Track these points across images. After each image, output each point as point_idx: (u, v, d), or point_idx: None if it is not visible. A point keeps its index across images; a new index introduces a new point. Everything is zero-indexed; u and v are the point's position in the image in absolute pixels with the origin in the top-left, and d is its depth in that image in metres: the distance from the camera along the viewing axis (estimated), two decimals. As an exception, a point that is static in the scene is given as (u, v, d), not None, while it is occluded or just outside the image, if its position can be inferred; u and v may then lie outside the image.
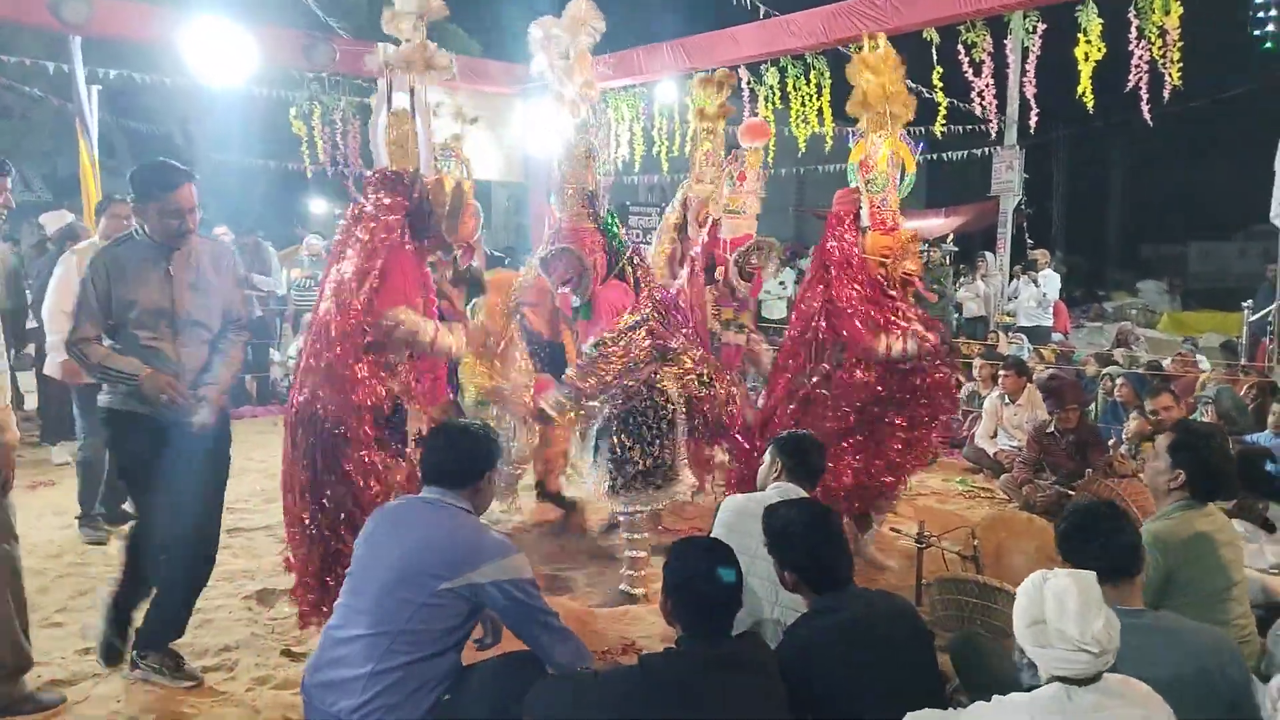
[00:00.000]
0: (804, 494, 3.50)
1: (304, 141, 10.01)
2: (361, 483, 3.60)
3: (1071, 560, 2.92)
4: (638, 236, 10.93)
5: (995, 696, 2.25)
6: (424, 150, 4.14)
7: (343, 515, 3.59)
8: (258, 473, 6.64)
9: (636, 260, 4.88)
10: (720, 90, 6.00)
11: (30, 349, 7.52)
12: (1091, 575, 2.20)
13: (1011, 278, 12.73)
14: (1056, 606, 2.11)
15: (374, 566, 2.72)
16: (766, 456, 3.74)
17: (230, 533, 5.41)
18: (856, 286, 4.89)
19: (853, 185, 5.05)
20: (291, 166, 12.79)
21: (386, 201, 3.92)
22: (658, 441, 4.57)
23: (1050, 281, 11.62)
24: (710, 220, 5.95)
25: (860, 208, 5.00)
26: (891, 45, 4.96)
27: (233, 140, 15.62)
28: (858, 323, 4.77)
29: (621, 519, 4.73)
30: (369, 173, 4.16)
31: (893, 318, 4.82)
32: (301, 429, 3.60)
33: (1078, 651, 2.07)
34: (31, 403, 8.21)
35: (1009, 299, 12.25)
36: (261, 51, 8.62)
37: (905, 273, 4.93)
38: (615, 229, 4.84)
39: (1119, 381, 7.58)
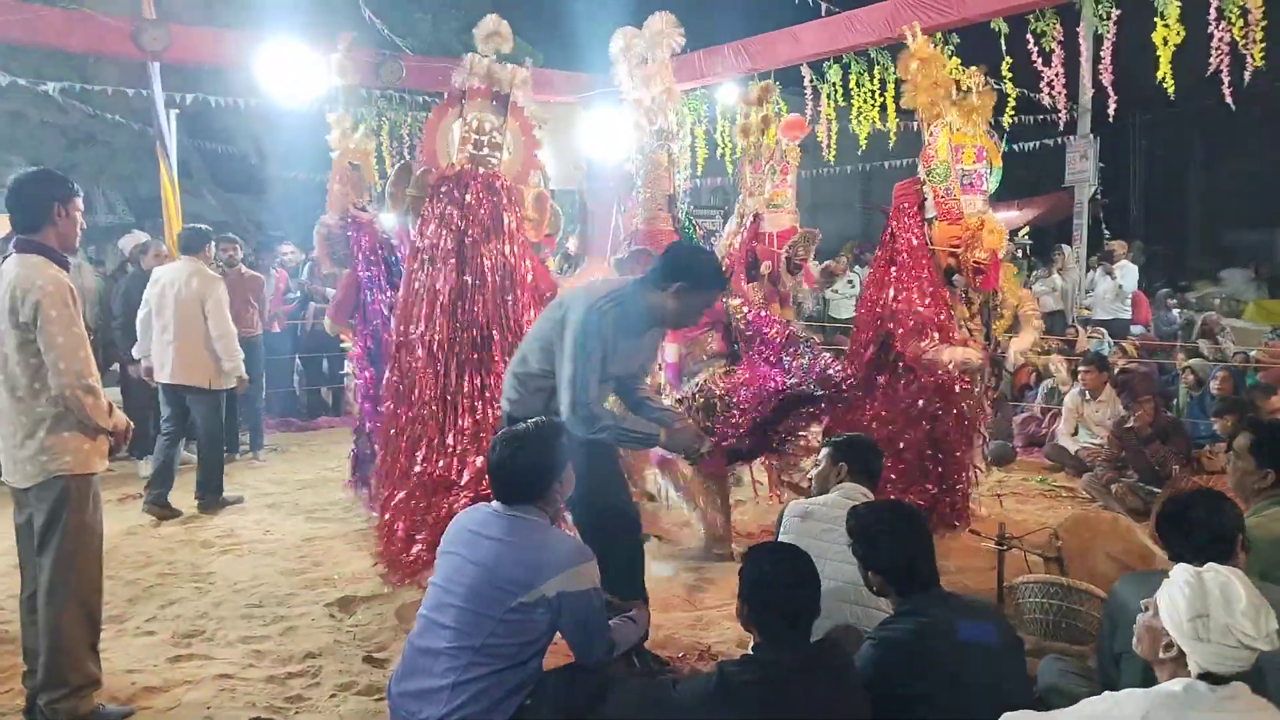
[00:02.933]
0: (869, 495, 3.46)
1: (372, 157, 10.19)
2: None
3: (1168, 542, 2.83)
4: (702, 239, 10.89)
5: (1106, 693, 2.18)
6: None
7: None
8: (336, 482, 6.77)
9: None
10: (760, 105, 6.03)
11: (115, 367, 7.81)
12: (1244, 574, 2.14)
13: (1089, 270, 12.38)
14: (1223, 601, 2.04)
15: (453, 583, 2.76)
16: (822, 460, 3.69)
17: (309, 541, 5.55)
18: (918, 284, 4.85)
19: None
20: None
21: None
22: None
23: (1127, 273, 11.24)
24: (752, 217, 5.99)
25: (924, 198, 4.95)
26: (958, 35, 4.91)
27: (303, 158, 15.97)
28: (905, 323, 4.79)
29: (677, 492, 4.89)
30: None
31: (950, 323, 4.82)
32: None
33: (1240, 649, 2.00)
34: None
35: (1086, 292, 11.91)
36: (331, 70, 8.79)
37: (976, 261, 4.85)
38: (692, 232, 4.89)
39: (1220, 375, 7.27)
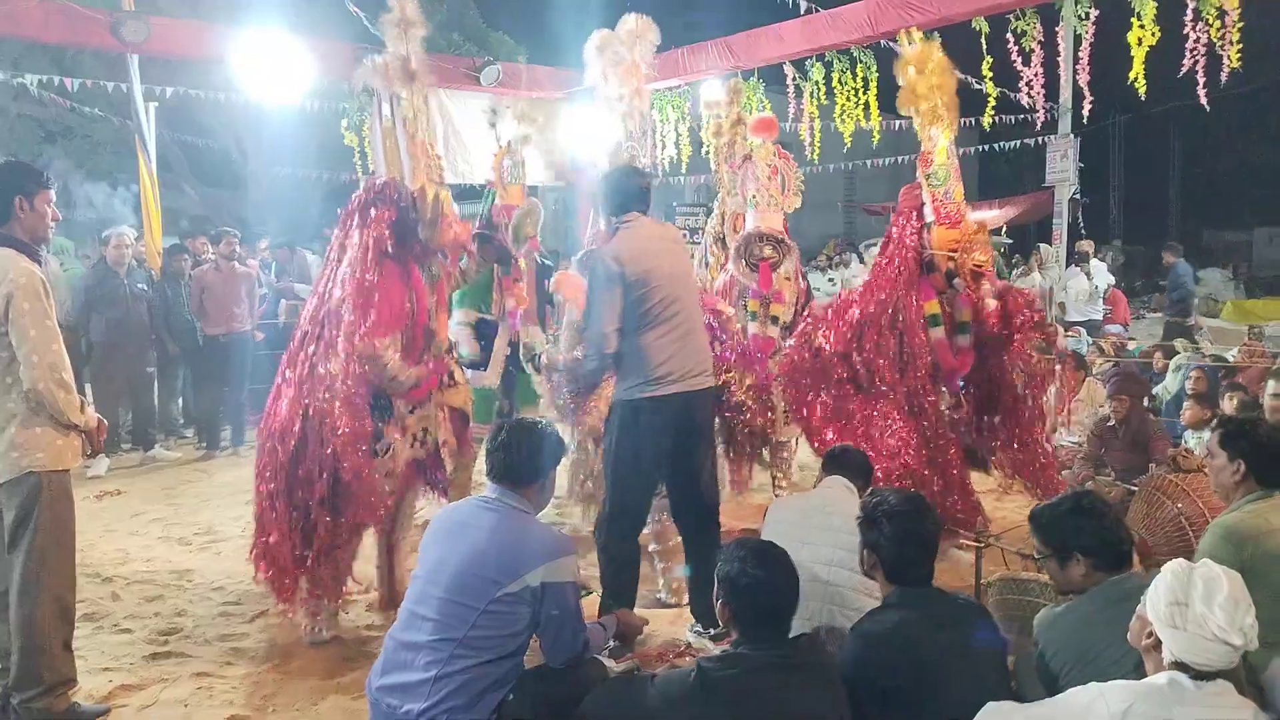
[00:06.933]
0: (852, 485, 3.54)
1: (355, 152, 10.16)
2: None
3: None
4: (685, 237, 10.87)
5: (1091, 684, 2.19)
6: (405, 159, 4.23)
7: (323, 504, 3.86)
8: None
9: None
10: (729, 105, 6.00)
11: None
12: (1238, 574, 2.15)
13: (1067, 268, 12.45)
14: (1205, 592, 2.05)
15: (436, 574, 2.76)
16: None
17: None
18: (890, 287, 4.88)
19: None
20: (344, 177, 13.01)
21: (374, 212, 4.03)
22: None
23: (1099, 273, 11.30)
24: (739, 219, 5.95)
25: (922, 203, 4.92)
26: (939, 35, 4.89)
27: (286, 153, 15.89)
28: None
29: (649, 526, 4.56)
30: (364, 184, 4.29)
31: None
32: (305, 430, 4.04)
33: (1214, 641, 2.01)
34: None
35: (1062, 291, 11.99)
36: (314, 64, 8.74)
37: (975, 265, 4.83)
38: None
39: (1194, 375, 7.30)
